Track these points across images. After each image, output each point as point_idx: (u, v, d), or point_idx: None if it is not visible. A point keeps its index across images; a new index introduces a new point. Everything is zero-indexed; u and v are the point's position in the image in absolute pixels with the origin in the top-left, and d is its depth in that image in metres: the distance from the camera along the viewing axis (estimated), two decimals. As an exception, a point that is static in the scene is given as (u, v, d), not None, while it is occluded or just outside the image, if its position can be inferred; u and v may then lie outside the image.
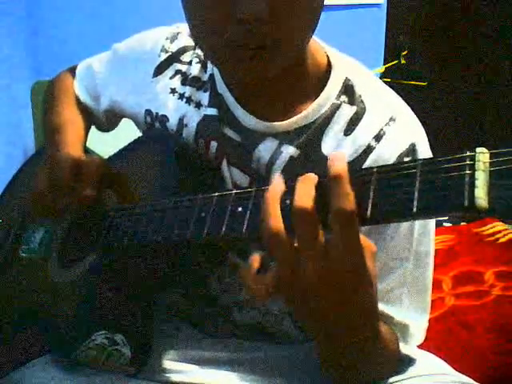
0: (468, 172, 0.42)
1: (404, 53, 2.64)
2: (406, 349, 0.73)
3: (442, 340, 1.19)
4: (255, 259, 0.52)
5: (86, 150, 0.90)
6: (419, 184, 0.44)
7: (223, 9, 0.60)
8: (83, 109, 0.93)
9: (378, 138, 0.72)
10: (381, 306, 0.70)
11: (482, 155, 0.42)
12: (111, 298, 0.73)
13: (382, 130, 0.72)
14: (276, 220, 0.48)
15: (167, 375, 0.79)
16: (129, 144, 0.87)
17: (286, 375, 0.80)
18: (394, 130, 0.72)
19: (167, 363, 0.80)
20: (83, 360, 0.72)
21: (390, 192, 0.46)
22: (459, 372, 0.76)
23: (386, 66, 2.61)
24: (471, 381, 0.74)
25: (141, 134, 0.88)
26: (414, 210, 0.44)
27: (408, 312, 0.73)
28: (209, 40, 0.65)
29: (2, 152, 1.83)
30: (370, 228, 0.69)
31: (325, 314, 0.52)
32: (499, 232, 1.68)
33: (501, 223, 1.75)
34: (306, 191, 0.48)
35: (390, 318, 0.72)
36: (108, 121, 0.94)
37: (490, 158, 0.42)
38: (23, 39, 2.15)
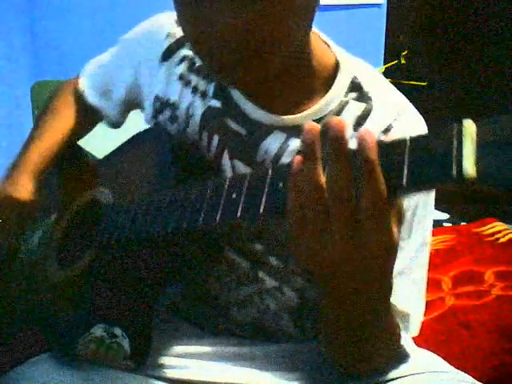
0: (455, 143, 0.43)
1: (404, 53, 2.64)
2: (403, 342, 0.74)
3: (442, 340, 1.19)
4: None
5: (81, 152, 0.92)
6: (408, 158, 0.46)
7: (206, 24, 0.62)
8: (83, 110, 0.93)
9: (386, 132, 0.73)
10: None
11: (469, 126, 0.43)
12: (110, 292, 0.73)
13: (390, 124, 0.73)
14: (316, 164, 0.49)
15: (167, 371, 0.80)
16: (126, 141, 0.87)
17: (286, 371, 0.80)
18: (402, 124, 0.73)
19: (166, 359, 0.81)
20: (83, 354, 0.72)
21: (383, 168, 0.47)
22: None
23: (386, 65, 2.61)
24: (469, 377, 0.74)
25: (136, 132, 0.88)
26: (404, 184, 0.45)
27: (408, 301, 0.73)
28: (203, 47, 0.66)
29: (2, 152, 1.83)
30: None
31: (344, 282, 0.53)
32: (499, 232, 1.68)
33: (501, 223, 1.75)
34: (346, 177, 0.48)
35: (392, 305, 0.72)
36: (120, 113, 0.94)
37: (477, 129, 0.43)
38: (23, 39, 2.15)
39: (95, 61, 0.96)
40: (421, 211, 0.73)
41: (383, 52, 2.60)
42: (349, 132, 0.72)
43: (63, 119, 0.94)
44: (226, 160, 0.76)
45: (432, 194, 0.76)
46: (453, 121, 0.45)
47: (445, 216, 1.94)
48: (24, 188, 0.84)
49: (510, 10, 2.58)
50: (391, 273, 0.55)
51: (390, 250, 0.50)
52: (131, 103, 0.91)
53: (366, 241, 0.49)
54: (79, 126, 0.96)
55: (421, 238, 0.74)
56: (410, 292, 0.74)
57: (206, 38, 0.63)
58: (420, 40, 2.70)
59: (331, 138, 0.47)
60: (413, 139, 0.46)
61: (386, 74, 2.60)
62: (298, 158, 0.50)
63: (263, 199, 0.54)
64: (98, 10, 2.21)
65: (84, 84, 0.95)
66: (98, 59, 0.96)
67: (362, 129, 0.49)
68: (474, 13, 2.64)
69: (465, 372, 0.76)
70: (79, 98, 0.95)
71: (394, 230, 0.49)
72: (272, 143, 0.74)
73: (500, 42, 2.64)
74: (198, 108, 0.79)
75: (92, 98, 0.94)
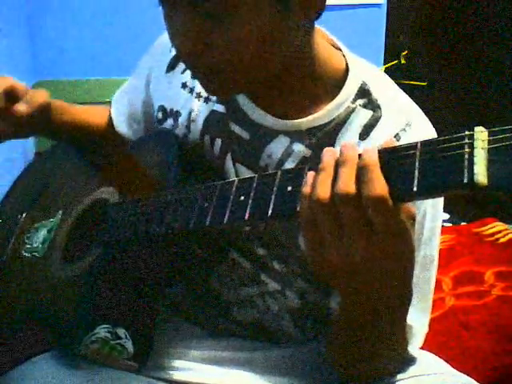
0: (467, 150, 0.44)
1: (404, 53, 2.64)
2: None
3: (442, 340, 1.19)
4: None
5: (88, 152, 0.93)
6: (419, 163, 0.46)
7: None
8: (112, 134, 0.96)
9: None
10: None
11: (481, 134, 0.44)
12: (114, 292, 0.73)
13: (397, 134, 0.72)
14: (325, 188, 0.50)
15: (169, 372, 0.80)
16: (133, 143, 0.88)
17: (286, 375, 0.80)
18: (410, 134, 0.72)
19: (168, 361, 0.81)
20: (86, 353, 0.72)
21: (394, 173, 0.48)
22: (459, 372, 0.77)
23: (386, 65, 2.61)
24: (471, 380, 0.74)
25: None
26: (415, 189, 0.46)
27: (412, 314, 0.73)
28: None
29: (2, 153, 1.83)
30: None
31: (362, 287, 0.55)
32: (499, 232, 1.68)
33: (501, 223, 1.75)
34: (349, 176, 0.49)
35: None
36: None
37: (489, 137, 0.44)
38: (23, 39, 2.15)
39: (121, 88, 0.98)
40: (429, 224, 0.73)
41: (383, 52, 2.59)
42: (354, 140, 0.73)
43: (94, 117, 0.97)
44: (229, 164, 0.76)
45: (440, 208, 0.75)
46: (463, 127, 0.45)
47: (445, 216, 1.94)
48: (39, 97, 0.84)
49: (510, 10, 2.58)
50: (409, 277, 0.56)
51: (402, 254, 0.51)
52: (150, 120, 0.91)
53: (376, 244, 0.49)
54: (101, 137, 0.97)
55: (429, 253, 0.74)
56: (415, 304, 0.73)
57: (179, 52, 0.67)
58: (420, 40, 2.70)
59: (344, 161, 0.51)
60: (424, 144, 0.47)
61: (386, 74, 2.60)
62: (312, 173, 0.52)
63: (271, 202, 0.54)
64: (98, 10, 2.21)
65: (113, 112, 0.97)
66: (123, 86, 0.97)
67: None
68: (473, 13, 2.64)
69: (465, 373, 0.76)
70: (111, 124, 0.97)
71: (409, 233, 0.50)
72: (276, 147, 0.74)
73: (500, 42, 2.64)
74: (202, 113, 0.79)
75: (121, 126, 0.95)
